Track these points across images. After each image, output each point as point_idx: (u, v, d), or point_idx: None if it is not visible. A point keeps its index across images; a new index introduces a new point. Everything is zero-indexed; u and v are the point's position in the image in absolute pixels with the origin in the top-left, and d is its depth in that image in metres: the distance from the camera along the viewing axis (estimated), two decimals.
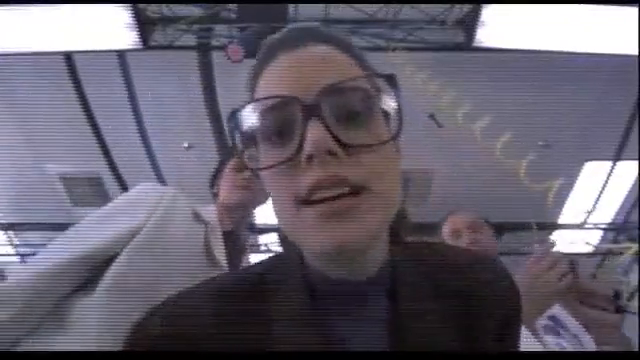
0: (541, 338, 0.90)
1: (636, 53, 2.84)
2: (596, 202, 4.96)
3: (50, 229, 4.90)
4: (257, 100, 0.42)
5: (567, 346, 1.01)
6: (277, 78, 0.42)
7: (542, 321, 1.01)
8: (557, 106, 4.21)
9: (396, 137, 0.43)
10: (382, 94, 0.43)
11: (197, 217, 1.07)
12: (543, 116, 4.29)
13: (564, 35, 3.10)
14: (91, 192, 5.05)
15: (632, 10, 2.89)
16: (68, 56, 3.68)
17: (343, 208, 0.38)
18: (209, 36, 3.44)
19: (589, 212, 4.11)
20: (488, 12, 3.02)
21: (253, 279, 0.47)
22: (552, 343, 0.98)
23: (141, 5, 3.08)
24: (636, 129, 4.16)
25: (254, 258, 0.79)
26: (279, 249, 0.54)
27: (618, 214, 5.30)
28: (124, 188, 4.47)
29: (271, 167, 0.41)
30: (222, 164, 1.22)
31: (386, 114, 0.45)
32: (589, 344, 0.98)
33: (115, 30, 3.06)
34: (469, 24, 3.13)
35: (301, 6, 3.13)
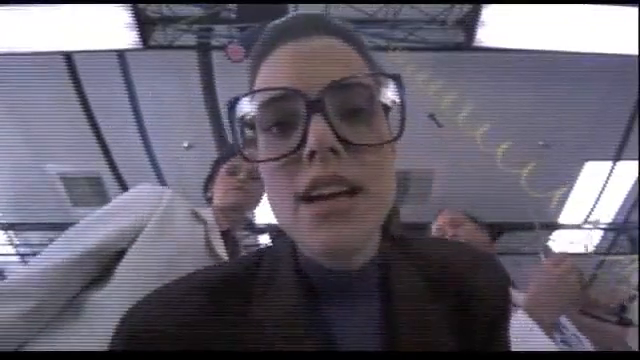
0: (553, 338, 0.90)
1: (636, 53, 2.84)
2: (596, 202, 4.96)
3: (50, 229, 4.91)
4: (260, 90, 0.42)
5: (569, 347, 1.01)
6: (281, 68, 0.41)
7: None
8: (557, 106, 4.21)
9: (398, 138, 0.42)
10: (386, 93, 0.43)
11: (196, 216, 1.09)
12: (543, 116, 4.29)
13: (564, 35, 3.10)
14: (91, 192, 5.05)
15: (632, 10, 2.89)
16: (68, 56, 3.68)
17: (339, 208, 0.38)
18: (209, 36, 3.44)
19: (593, 221, 4.10)
20: (488, 12, 3.02)
21: (244, 269, 0.46)
22: (558, 342, 0.98)
23: (141, 5, 3.07)
24: (636, 129, 4.16)
25: None
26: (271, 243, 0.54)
27: (618, 214, 5.30)
28: (124, 188, 4.47)
29: (271, 160, 0.41)
30: (216, 168, 1.24)
31: (388, 114, 0.45)
32: (589, 348, 0.98)
33: (115, 30, 3.06)
34: (469, 24, 3.13)
35: (301, 6, 3.12)
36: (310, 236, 0.39)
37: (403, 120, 0.42)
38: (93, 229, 0.92)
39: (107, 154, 4.42)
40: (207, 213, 1.13)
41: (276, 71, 0.42)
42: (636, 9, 2.83)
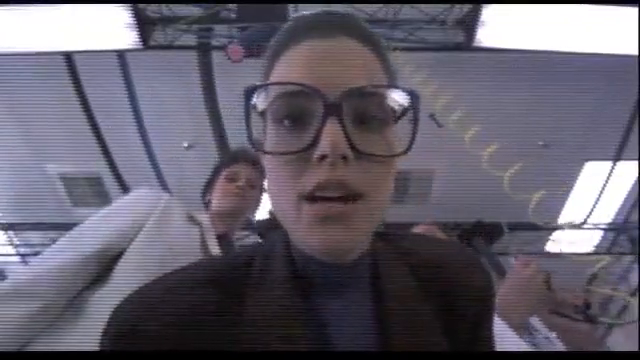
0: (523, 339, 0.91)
1: (636, 53, 2.84)
2: (596, 202, 4.96)
3: (50, 229, 4.90)
4: (279, 83, 0.42)
5: (542, 347, 1.02)
6: (301, 64, 0.41)
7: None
8: (557, 106, 4.21)
9: (407, 152, 0.42)
10: (401, 107, 0.43)
11: (192, 219, 1.12)
12: (543, 116, 4.29)
13: (564, 35, 3.10)
14: (91, 192, 5.05)
15: (632, 10, 2.89)
16: (68, 56, 3.68)
17: (339, 213, 0.39)
18: (209, 36, 3.44)
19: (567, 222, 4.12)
20: (488, 12, 3.02)
21: (236, 264, 0.47)
22: (528, 344, 0.99)
23: (141, 5, 3.08)
24: (636, 129, 4.16)
25: None
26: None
27: (618, 214, 5.30)
28: (124, 188, 4.47)
29: (280, 154, 0.41)
30: (216, 174, 1.27)
31: (399, 126, 0.45)
32: (561, 349, 0.99)
33: (115, 30, 3.06)
34: (469, 24, 3.13)
35: (301, 6, 3.13)
36: (308, 235, 0.40)
37: (414, 135, 0.42)
38: (95, 230, 0.93)
39: (107, 154, 4.42)
40: (204, 216, 1.15)
41: (296, 66, 0.42)
42: (636, 9, 2.84)
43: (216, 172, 1.27)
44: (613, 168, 4.68)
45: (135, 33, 3.07)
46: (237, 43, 2.84)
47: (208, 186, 1.28)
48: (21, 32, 2.98)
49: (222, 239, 1.15)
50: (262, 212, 1.26)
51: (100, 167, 4.56)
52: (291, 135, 0.41)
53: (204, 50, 3.59)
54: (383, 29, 3.31)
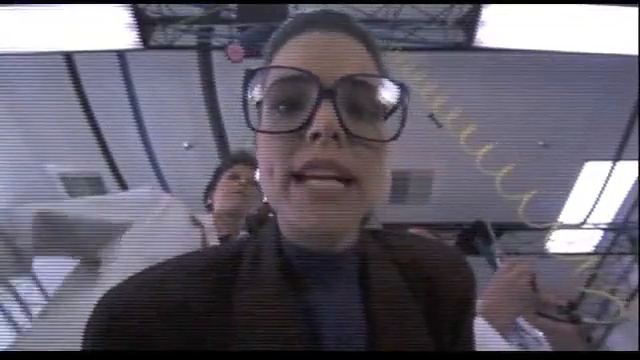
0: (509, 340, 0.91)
1: (636, 53, 2.84)
2: (596, 202, 4.96)
3: None
4: (279, 67, 0.44)
5: (531, 348, 1.02)
6: (301, 51, 0.44)
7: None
8: (557, 106, 4.21)
9: (396, 138, 0.44)
10: (391, 97, 0.45)
11: (194, 220, 1.12)
12: (543, 116, 4.29)
13: (564, 35, 3.10)
14: (91, 192, 5.05)
15: (632, 10, 2.89)
16: (68, 56, 3.68)
17: (330, 194, 0.40)
18: (209, 36, 3.44)
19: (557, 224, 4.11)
20: (488, 12, 3.02)
21: (227, 255, 0.47)
22: (516, 345, 1.00)
23: (141, 5, 3.08)
24: (636, 129, 4.15)
25: None
26: None
27: (618, 214, 5.30)
28: (124, 188, 4.46)
29: (273, 132, 0.42)
30: (217, 176, 1.28)
31: (388, 117, 0.46)
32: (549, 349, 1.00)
33: (115, 30, 3.06)
34: (469, 24, 3.14)
35: (301, 6, 3.13)
36: (297, 215, 0.41)
37: (403, 122, 0.45)
38: (82, 207, 0.95)
39: (107, 154, 4.42)
40: (206, 218, 1.16)
41: (295, 53, 0.44)
42: (636, 9, 2.83)
43: (217, 175, 1.29)
44: (613, 168, 4.68)
45: (135, 33, 3.07)
46: (237, 43, 2.84)
47: (209, 189, 1.29)
48: (21, 32, 2.98)
49: (224, 241, 1.15)
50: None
51: (100, 167, 4.55)
52: (285, 118, 0.42)
53: (204, 50, 3.59)
54: (383, 29, 3.31)
